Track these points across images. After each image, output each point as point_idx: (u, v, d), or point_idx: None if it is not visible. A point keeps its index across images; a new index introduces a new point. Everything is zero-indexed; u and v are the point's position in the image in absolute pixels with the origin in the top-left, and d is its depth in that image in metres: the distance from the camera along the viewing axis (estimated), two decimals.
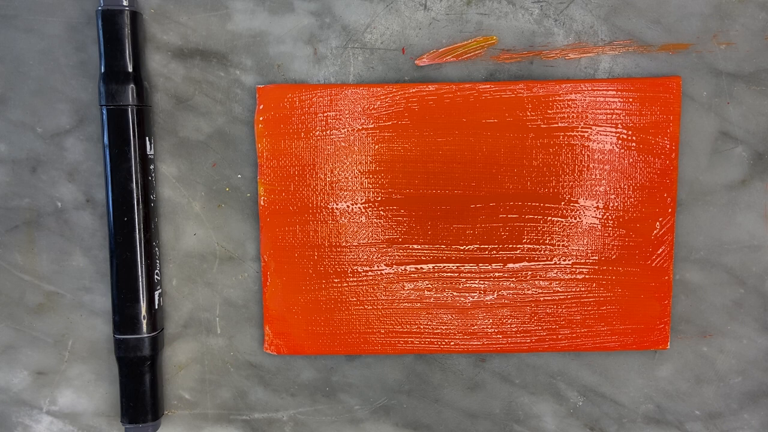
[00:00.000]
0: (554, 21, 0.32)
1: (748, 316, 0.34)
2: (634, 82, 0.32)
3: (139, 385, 0.33)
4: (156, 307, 0.33)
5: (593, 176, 0.33)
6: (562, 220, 0.33)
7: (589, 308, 0.34)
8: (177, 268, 0.34)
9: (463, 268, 0.34)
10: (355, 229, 0.33)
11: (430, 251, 0.33)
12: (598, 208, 0.33)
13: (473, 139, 0.33)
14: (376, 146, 0.33)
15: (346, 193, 0.33)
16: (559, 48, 0.33)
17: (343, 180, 0.33)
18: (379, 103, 0.32)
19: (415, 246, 0.33)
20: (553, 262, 0.33)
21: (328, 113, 0.33)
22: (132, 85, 0.31)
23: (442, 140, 0.33)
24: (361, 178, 0.33)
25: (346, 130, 0.33)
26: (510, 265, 0.33)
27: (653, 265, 0.33)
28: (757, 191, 0.33)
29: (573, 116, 0.32)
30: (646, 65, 0.33)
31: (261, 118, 0.33)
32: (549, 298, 0.34)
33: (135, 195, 0.32)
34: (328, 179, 0.33)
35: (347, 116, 0.33)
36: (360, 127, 0.33)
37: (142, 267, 0.33)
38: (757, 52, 0.32)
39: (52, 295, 0.35)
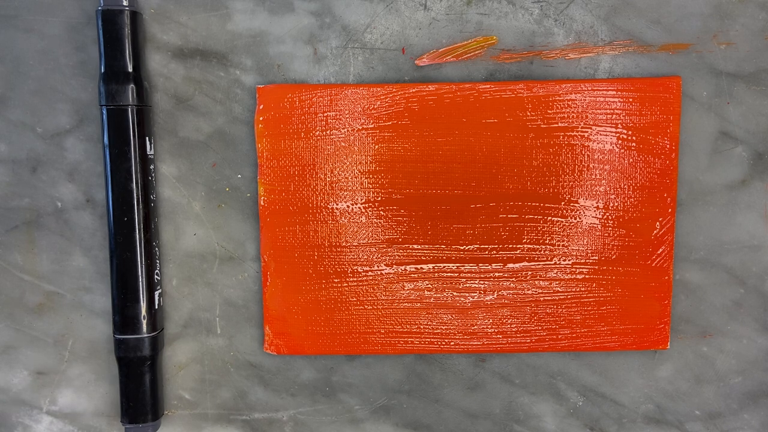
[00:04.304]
0: (554, 21, 0.32)
1: (748, 316, 0.34)
2: (634, 82, 0.32)
3: (139, 385, 0.33)
4: (156, 307, 0.33)
5: (593, 176, 0.33)
6: (562, 220, 0.33)
7: (589, 308, 0.34)
8: (177, 268, 0.34)
9: (463, 268, 0.34)
10: (355, 229, 0.33)
11: (430, 251, 0.33)
12: (598, 208, 0.33)
13: (473, 139, 0.33)
14: (376, 146, 0.33)
15: (346, 193, 0.33)
16: (559, 48, 0.33)
17: (343, 180, 0.33)
18: (379, 103, 0.32)
19: (415, 246, 0.33)
20: (553, 262, 0.33)
21: (328, 113, 0.33)
22: (132, 85, 0.31)
23: (442, 140, 0.33)
24: (361, 178, 0.33)
25: (346, 130, 0.33)
26: (510, 265, 0.33)
27: (653, 265, 0.33)
28: (757, 191, 0.33)
29: (573, 116, 0.32)
30: (646, 65, 0.33)
31: (261, 118, 0.33)
32: (549, 298, 0.34)
33: (135, 195, 0.32)
34: (328, 179, 0.33)
35: (347, 116, 0.33)
36: (360, 127, 0.33)
37: (142, 267, 0.33)
38: (757, 52, 0.32)
39: (52, 295, 0.35)
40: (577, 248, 0.33)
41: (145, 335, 0.33)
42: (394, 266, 0.34)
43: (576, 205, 0.33)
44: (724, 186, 0.33)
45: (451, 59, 0.33)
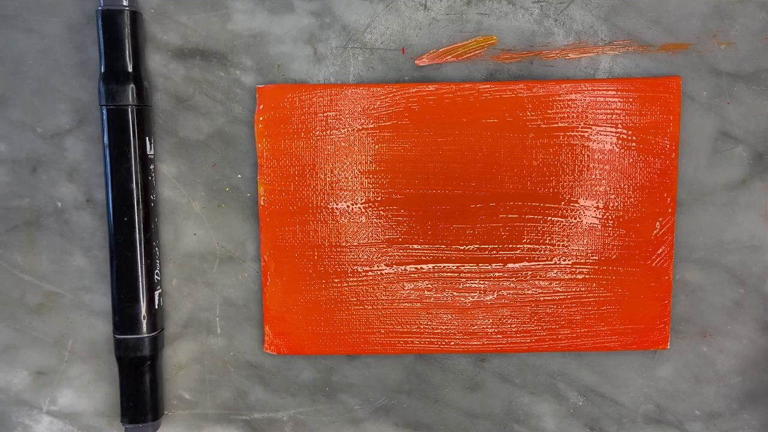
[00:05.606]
0: (554, 21, 0.32)
1: (748, 316, 0.34)
2: (634, 82, 0.32)
3: (139, 385, 0.33)
4: (156, 307, 0.33)
5: (593, 176, 0.33)
6: (562, 220, 0.33)
7: (589, 308, 0.34)
8: (177, 268, 0.34)
9: (463, 268, 0.34)
10: (355, 229, 0.33)
11: (430, 251, 0.33)
12: (598, 208, 0.33)
13: (473, 139, 0.33)
14: (376, 146, 0.33)
15: (346, 193, 0.33)
16: (559, 48, 0.33)
17: (343, 180, 0.33)
18: (379, 103, 0.32)
19: (415, 246, 0.33)
20: (553, 262, 0.33)
21: (328, 113, 0.33)
22: (132, 85, 0.31)
23: (442, 140, 0.33)
24: (361, 178, 0.33)
25: (346, 130, 0.33)
26: (510, 265, 0.33)
27: (653, 265, 0.33)
28: (757, 191, 0.33)
29: (573, 116, 0.32)
30: (646, 65, 0.33)
31: (261, 118, 0.33)
32: (549, 298, 0.34)
33: (135, 195, 0.32)
34: (328, 179, 0.33)
35: (347, 116, 0.33)
36: (360, 127, 0.33)
37: (142, 267, 0.33)
38: (757, 52, 0.32)
39: (52, 295, 0.35)
40: (577, 248, 0.33)
41: (145, 335, 0.33)
42: (394, 266, 0.34)
43: (576, 205, 0.33)
44: (724, 186, 0.33)
45: (451, 59, 0.33)
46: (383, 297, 0.34)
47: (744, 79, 0.33)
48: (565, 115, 0.32)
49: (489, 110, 0.32)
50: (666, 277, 0.33)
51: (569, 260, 0.33)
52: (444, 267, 0.34)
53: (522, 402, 0.35)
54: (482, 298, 0.34)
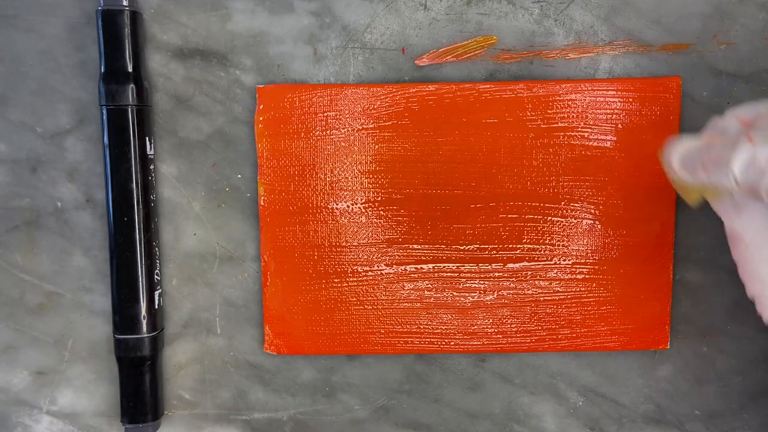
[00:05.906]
0: (554, 21, 0.32)
1: (748, 316, 0.34)
2: (634, 82, 0.32)
3: (139, 385, 0.33)
4: (156, 307, 0.33)
5: (593, 176, 0.33)
6: (562, 220, 0.33)
7: (589, 308, 0.34)
8: (177, 268, 0.34)
9: (463, 268, 0.34)
10: (355, 229, 0.33)
11: (430, 251, 0.33)
12: (598, 208, 0.33)
13: (473, 139, 0.33)
14: (376, 146, 0.33)
15: (346, 193, 0.33)
16: (559, 48, 0.33)
17: (343, 180, 0.33)
18: (379, 103, 0.32)
19: (415, 246, 0.33)
20: (553, 262, 0.33)
21: (328, 113, 0.33)
22: (132, 85, 0.31)
23: (442, 140, 0.33)
24: (361, 178, 0.33)
25: (346, 130, 0.33)
26: (510, 265, 0.33)
27: (653, 265, 0.33)
28: None
29: (573, 116, 0.32)
30: (646, 65, 0.33)
31: (261, 118, 0.33)
32: (549, 298, 0.34)
33: (135, 195, 0.32)
34: (328, 179, 0.33)
35: (347, 116, 0.33)
36: (360, 127, 0.33)
37: (142, 267, 0.33)
38: (757, 52, 0.32)
39: (52, 295, 0.35)
40: (577, 248, 0.33)
41: (145, 335, 0.33)
42: (394, 266, 0.34)
43: (576, 205, 0.33)
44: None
45: (451, 59, 0.33)
46: (383, 297, 0.34)
47: (744, 79, 0.33)
48: (565, 115, 0.32)
49: (489, 110, 0.32)
50: (666, 277, 0.33)
51: (569, 260, 0.33)
52: (444, 267, 0.34)
53: (522, 402, 0.35)
54: (482, 298, 0.34)
